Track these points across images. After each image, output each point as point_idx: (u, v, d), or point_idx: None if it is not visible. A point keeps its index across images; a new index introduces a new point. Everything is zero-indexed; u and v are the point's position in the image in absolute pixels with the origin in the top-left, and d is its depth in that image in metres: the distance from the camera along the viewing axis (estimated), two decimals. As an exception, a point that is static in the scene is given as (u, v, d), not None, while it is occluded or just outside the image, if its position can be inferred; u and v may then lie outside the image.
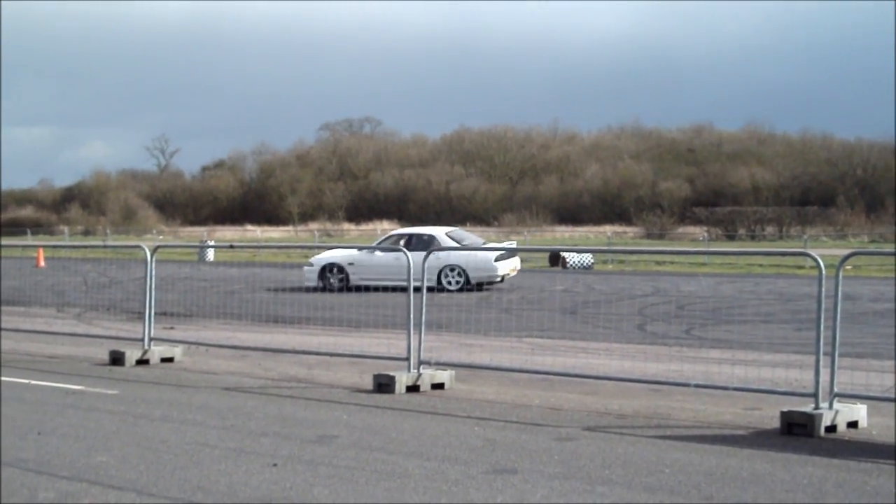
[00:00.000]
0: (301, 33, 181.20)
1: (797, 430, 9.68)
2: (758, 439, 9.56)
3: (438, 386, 12.52)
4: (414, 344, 12.59)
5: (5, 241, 70.59)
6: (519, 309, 22.18)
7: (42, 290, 26.71)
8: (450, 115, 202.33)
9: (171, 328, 18.93)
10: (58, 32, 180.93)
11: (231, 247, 40.08)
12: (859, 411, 10.06)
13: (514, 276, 30.14)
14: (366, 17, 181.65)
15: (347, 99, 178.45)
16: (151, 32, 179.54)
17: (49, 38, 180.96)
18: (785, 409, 9.91)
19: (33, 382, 13.29)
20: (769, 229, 69.78)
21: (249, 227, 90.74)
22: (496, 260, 28.88)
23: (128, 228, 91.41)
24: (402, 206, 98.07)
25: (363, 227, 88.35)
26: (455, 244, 29.44)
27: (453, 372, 12.80)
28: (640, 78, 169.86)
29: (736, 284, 30.77)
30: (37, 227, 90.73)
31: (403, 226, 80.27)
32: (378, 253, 29.39)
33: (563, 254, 41.94)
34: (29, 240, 74.08)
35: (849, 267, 10.45)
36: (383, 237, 33.61)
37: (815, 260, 10.44)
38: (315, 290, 27.98)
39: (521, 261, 36.00)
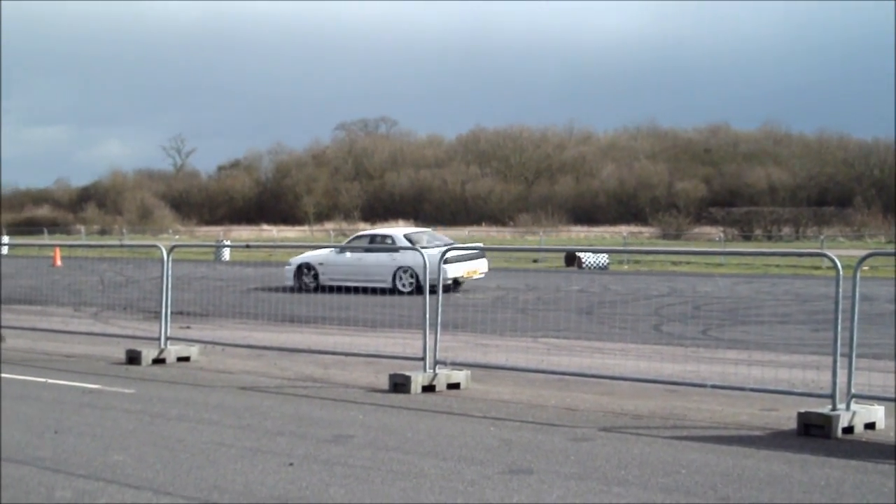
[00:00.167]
0: (317, 33, 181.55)
1: (814, 432, 9.64)
2: (774, 440, 9.52)
3: (454, 386, 12.51)
4: (430, 344, 12.59)
5: (21, 240, 70.95)
6: (535, 309, 22.16)
7: (59, 290, 26.79)
8: (465, 115, 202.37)
9: (188, 327, 18.96)
10: (75, 32, 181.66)
11: (247, 246, 40.24)
12: (877, 412, 10.01)
13: (479, 279, 29.44)
14: (381, 17, 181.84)
15: (363, 99, 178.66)
16: (168, 32, 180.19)
17: (66, 38, 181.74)
18: (802, 411, 9.87)
19: (50, 381, 13.33)
20: (786, 230, 69.55)
21: (265, 226, 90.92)
22: (444, 262, 28.29)
23: (144, 228, 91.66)
24: (418, 206, 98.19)
25: (379, 227, 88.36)
26: (408, 245, 29.39)
27: (469, 372, 12.79)
28: (656, 78, 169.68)
29: (752, 285, 30.68)
30: (53, 227, 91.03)
31: (419, 226, 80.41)
32: (348, 254, 29.74)
33: (579, 254, 41.89)
34: (45, 239, 74.33)
35: (866, 268, 10.41)
36: (351, 237, 33.75)
37: (833, 260, 10.39)
38: (291, 290, 28.13)
39: (535, 261, 36.01)
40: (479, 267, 29.49)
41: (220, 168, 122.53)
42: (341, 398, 11.94)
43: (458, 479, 7.95)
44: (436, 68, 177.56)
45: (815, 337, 17.18)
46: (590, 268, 41.10)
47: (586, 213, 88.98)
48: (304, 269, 29.77)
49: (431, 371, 12.50)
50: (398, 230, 34.71)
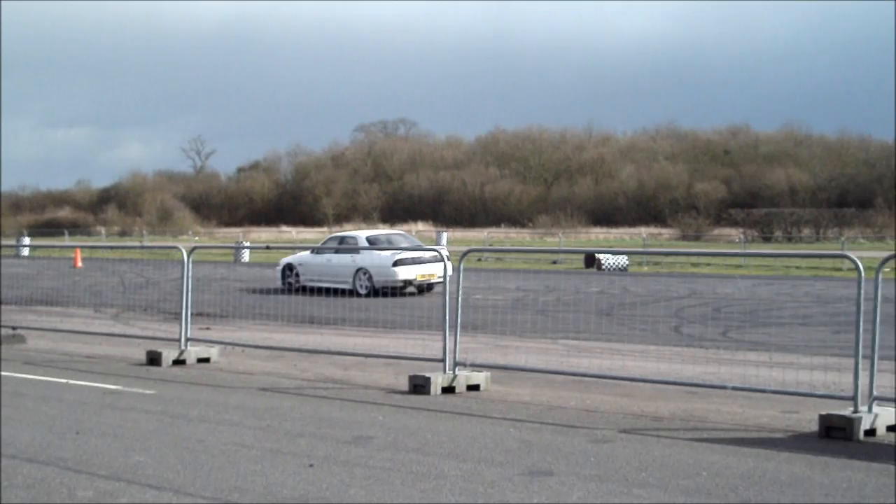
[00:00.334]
0: (336, 35, 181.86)
1: (836, 434, 9.59)
2: (796, 442, 9.49)
3: (474, 387, 12.51)
4: (449, 345, 12.58)
5: (43, 241, 71.31)
6: (554, 311, 22.14)
7: (79, 291, 26.93)
8: (484, 117, 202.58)
9: (208, 329, 19.01)
10: (97, 35, 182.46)
11: (267, 248, 40.35)
12: (899, 415, 9.96)
13: (436, 282, 28.81)
14: (401, 18, 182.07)
15: (382, 100, 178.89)
16: (188, 35, 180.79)
17: (88, 40, 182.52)
18: (823, 413, 9.82)
19: (72, 382, 13.39)
20: (806, 231, 69.34)
21: (284, 228, 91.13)
22: (395, 265, 28.34)
23: (164, 229, 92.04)
24: (437, 208, 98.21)
25: (398, 228, 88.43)
26: (367, 246, 29.66)
27: (489, 373, 12.78)
28: (676, 79, 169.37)
29: (773, 286, 30.57)
30: (74, 228, 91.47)
31: (438, 227, 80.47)
32: (324, 256, 29.99)
33: (598, 255, 41.82)
34: (66, 240, 74.67)
35: (887, 269, 10.35)
36: (325, 239, 34.02)
37: (854, 262, 10.34)
38: (279, 290, 28.39)
39: (554, 262, 35.86)
40: (438, 271, 28.40)
41: (240, 170, 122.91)
42: (361, 399, 11.95)
43: (479, 481, 7.95)
44: (455, 70, 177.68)
45: (836, 339, 17.11)
46: (609, 269, 41.04)
47: (605, 215, 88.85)
48: (287, 269, 30.25)
49: (451, 372, 12.50)
50: (363, 232, 35.44)
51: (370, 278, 28.25)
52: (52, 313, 21.94)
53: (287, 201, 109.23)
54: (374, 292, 26.30)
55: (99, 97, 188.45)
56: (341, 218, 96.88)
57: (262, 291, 27.63)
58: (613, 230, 79.83)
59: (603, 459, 8.71)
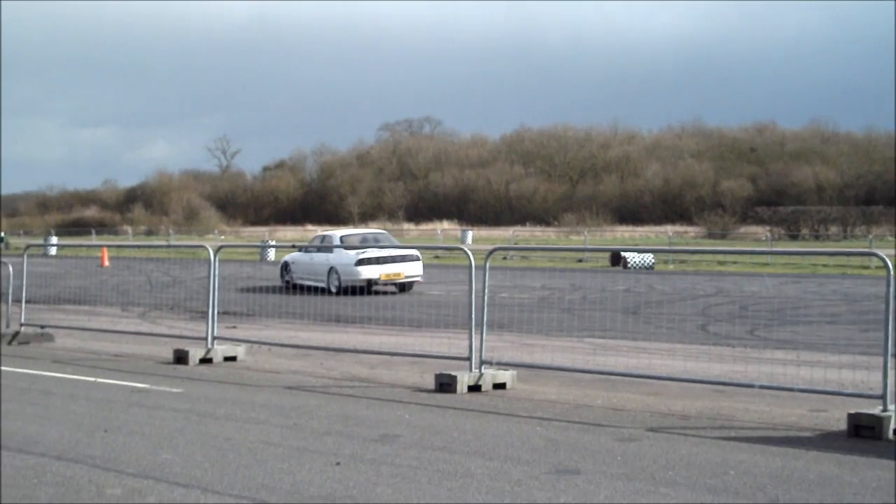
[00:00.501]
0: (361, 34, 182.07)
1: (864, 433, 9.53)
2: (824, 441, 9.44)
3: (500, 386, 12.50)
4: (475, 344, 12.57)
5: (70, 241, 71.73)
6: (580, 309, 22.09)
7: (107, 290, 27.09)
8: (510, 115, 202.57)
9: (234, 327, 19.07)
10: (123, 35, 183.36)
11: (293, 247, 40.41)
12: (929, 414, 9.88)
13: (417, 282, 29.10)
14: (425, 17, 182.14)
15: (407, 99, 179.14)
16: (213, 35, 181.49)
17: (114, 41, 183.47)
18: (852, 411, 9.76)
19: (99, 380, 13.46)
20: (833, 229, 68.91)
21: (310, 226, 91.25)
22: (357, 264, 28.42)
23: (190, 229, 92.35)
24: (462, 207, 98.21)
25: (423, 227, 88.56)
26: (339, 245, 30.00)
27: (515, 372, 12.77)
28: (702, 76, 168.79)
29: (800, 285, 30.42)
30: (101, 228, 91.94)
31: (463, 226, 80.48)
32: (312, 254, 30.27)
33: (624, 254, 41.72)
34: (93, 240, 75.08)
35: (916, 267, 10.30)
36: (313, 238, 34.30)
37: (883, 259, 10.27)
38: (280, 288, 28.63)
39: (579, 260, 35.66)
40: (406, 270, 28.91)
41: (266, 169, 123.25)
42: (387, 398, 11.96)
43: (505, 479, 7.94)
44: (480, 68, 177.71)
45: (864, 337, 16.99)
46: (635, 267, 40.93)
47: (631, 213, 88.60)
48: (284, 268, 30.73)
49: (477, 371, 12.49)
50: (340, 231, 36.11)
51: (339, 277, 28.43)
52: (79, 312, 22.08)
53: (312, 200, 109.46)
54: (344, 291, 26.21)
55: (125, 97, 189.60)
56: (366, 217, 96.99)
57: (286, 291, 27.66)
58: (639, 228, 79.57)
59: (630, 458, 8.68)
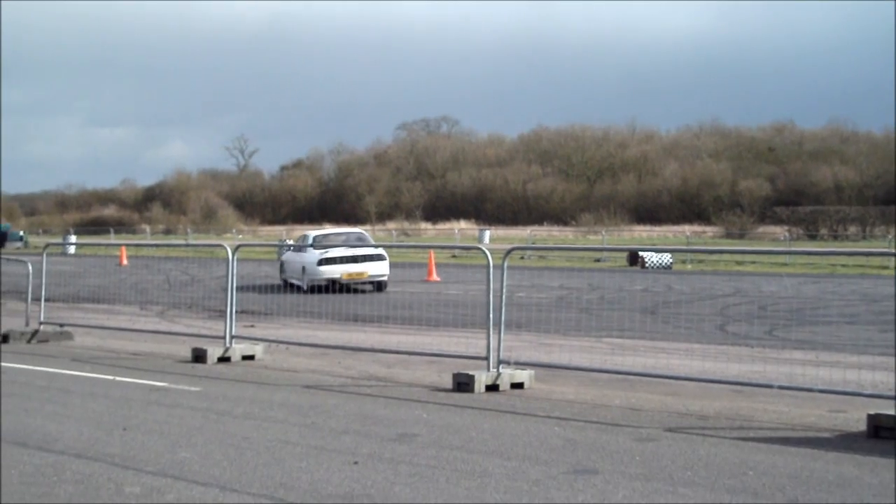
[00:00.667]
0: (378, 34, 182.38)
1: (884, 434, 9.48)
2: (843, 442, 9.39)
3: (518, 385, 12.48)
4: (493, 343, 12.57)
5: (89, 239, 71.98)
6: (598, 309, 22.06)
7: (125, 288, 27.18)
8: (527, 115, 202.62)
9: (252, 326, 19.11)
10: (141, 35, 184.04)
11: (311, 246, 40.50)
12: (949, 415, 9.83)
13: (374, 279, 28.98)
14: (443, 17, 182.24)
15: (425, 99, 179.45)
16: (231, 34, 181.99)
17: (132, 41, 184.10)
18: (872, 412, 9.71)
19: (118, 379, 13.50)
20: (852, 229, 68.67)
21: (327, 226, 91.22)
22: (320, 264, 28.57)
23: (208, 227, 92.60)
24: (479, 206, 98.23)
25: (440, 226, 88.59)
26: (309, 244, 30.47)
27: (533, 371, 12.75)
28: (720, 76, 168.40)
29: (819, 285, 30.31)
30: (119, 227, 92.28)
31: (480, 225, 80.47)
32: (300, 252, 30.62)
33: (642, 253, 41.64)
34: (112, 239, 75.35)
35: (936, 267, 10.28)
36: (299, 237, 34.88)
37: (903, 260, 10.23)
38: (281, 286, 29.51)
39: (597, 260, 35.51)
40: (370, 269, 28.93)
41: (283, 168, 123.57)
42: (405, 397, 11.96)
43: (523, 479, 7.94)
44: (497, 67, 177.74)
45: (883, 337, 16.91)
46: (653, 267, 40.85)
47: (649, 213, 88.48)
48: (281, 266, 31.62)
49: (495, 370, 12.49)
50: (315, 231, 37.04)
51: (307, 276, 28.65)
52: (98, 311, 22.15)
53: (330, 199, 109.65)
54: (311, 290, 26.19)
55: (144, 97, 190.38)
56: (384, 216, 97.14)
57: (304, 290, 27.70)
58: (657, 228, 79.44)
59: (648, 458, 8.66)
